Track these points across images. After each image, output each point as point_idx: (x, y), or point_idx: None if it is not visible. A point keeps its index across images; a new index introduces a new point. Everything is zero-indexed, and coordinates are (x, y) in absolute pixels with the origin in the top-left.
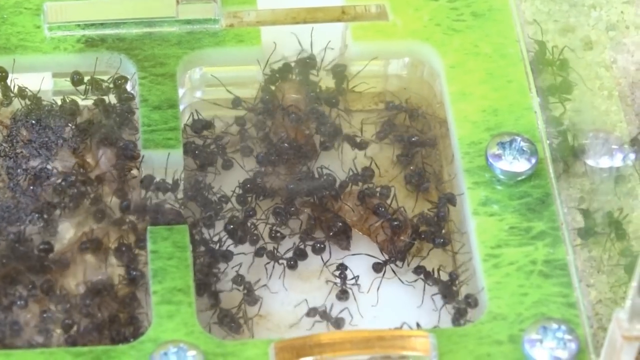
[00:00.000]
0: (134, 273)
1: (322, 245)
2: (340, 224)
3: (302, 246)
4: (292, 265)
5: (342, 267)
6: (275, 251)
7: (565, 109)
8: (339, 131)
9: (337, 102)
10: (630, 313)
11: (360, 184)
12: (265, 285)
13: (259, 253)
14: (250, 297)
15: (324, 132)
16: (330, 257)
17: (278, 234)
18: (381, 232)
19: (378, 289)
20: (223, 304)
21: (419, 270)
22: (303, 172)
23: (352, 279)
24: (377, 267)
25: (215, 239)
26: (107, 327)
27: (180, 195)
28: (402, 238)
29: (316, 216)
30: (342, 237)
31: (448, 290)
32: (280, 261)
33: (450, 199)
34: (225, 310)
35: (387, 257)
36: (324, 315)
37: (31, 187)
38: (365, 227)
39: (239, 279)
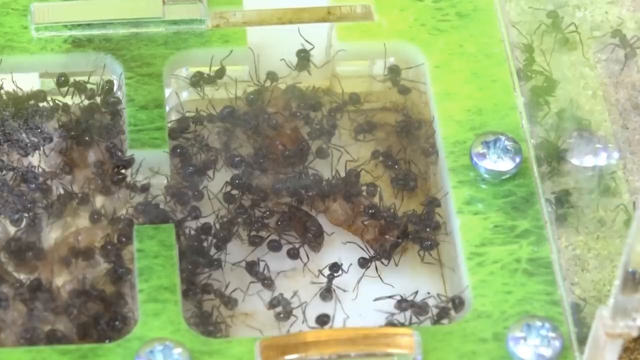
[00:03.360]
0: (121, 270)
1: (297, 250)
2: (313, 227)
3: (276, 237)
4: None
5: (335, 267)
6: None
7: (549, 109)
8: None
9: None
10: (613, 310)
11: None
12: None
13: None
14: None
15: (316, 139)
16: (318, 256)
17: (257, 240)
18: (369, 230)
19: (357, 285)
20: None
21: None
22: (290, 174)
23: (338, 275)
24: (363, 262)
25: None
26: (93, 324)
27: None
28: (389, 237)
29: (290, 216)
30: (316, 241)
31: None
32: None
33: (433, 202)
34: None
35: (373, 254)
36: (217, 293)
37: (12, 186)
38: (353, 226)
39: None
